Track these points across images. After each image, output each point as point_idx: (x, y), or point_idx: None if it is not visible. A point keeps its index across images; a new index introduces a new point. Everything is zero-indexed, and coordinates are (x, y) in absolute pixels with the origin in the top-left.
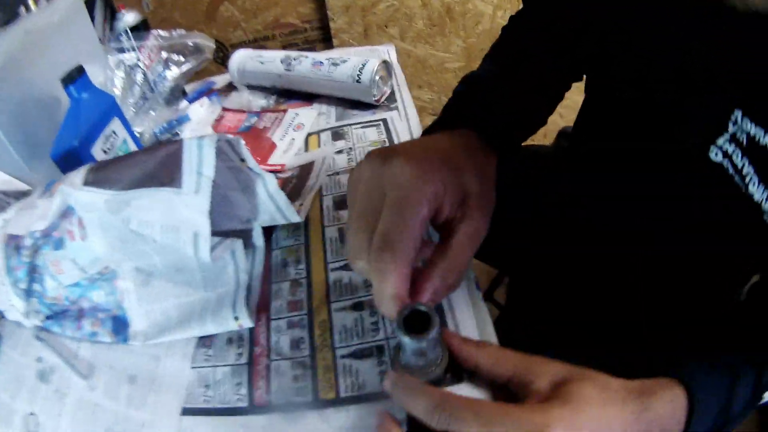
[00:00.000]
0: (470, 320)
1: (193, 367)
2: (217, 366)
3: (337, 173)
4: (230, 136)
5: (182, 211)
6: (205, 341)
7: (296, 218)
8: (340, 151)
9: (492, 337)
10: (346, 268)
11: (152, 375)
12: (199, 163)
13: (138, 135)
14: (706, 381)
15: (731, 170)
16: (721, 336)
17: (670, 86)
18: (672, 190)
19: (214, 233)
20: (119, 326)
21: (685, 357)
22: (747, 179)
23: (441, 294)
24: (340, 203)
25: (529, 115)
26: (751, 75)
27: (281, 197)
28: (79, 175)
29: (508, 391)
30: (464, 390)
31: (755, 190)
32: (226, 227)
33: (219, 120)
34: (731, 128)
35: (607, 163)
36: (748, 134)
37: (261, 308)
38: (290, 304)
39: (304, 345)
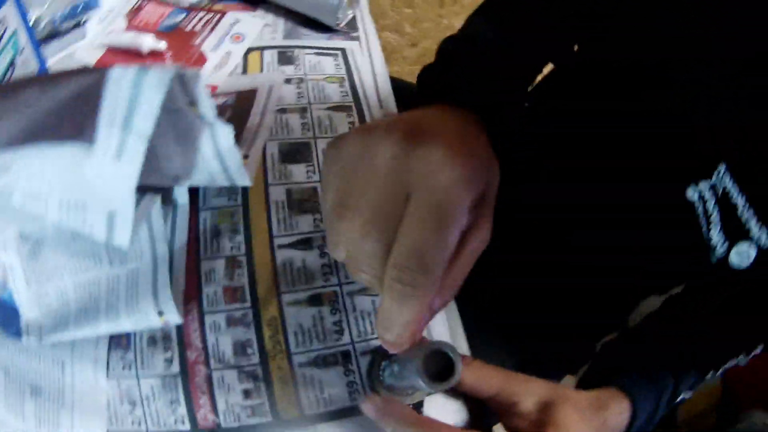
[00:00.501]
0: (440, 318)
1: (110, 377)
2: (142, 377)
3: (284, 110)
4: (188, 70)
5: (93, 182)
6: (119, 340)
7: (246, 182)
8: (288, 80)
9: (462, 340)
10: (298, 246)
11: (59, 386)
12: (130, 111)
13: (32, 23)
14: (644, 394)
15: (700, 213)
16: (647, 345)
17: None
18: (632, 209)
19: None
20: (8, 316)
21: (623, 365)
22: (711, 225)
23: (436, 311)
24: (289, 155)
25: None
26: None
27: (234, 157)
28: None
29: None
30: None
31: (715, 235)
32: (142, 183)
33: (136, 11)
34: (714, 178)
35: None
36: (724, 188)
37: (189, 295)
38: (228, 292)
39: (251, 350)
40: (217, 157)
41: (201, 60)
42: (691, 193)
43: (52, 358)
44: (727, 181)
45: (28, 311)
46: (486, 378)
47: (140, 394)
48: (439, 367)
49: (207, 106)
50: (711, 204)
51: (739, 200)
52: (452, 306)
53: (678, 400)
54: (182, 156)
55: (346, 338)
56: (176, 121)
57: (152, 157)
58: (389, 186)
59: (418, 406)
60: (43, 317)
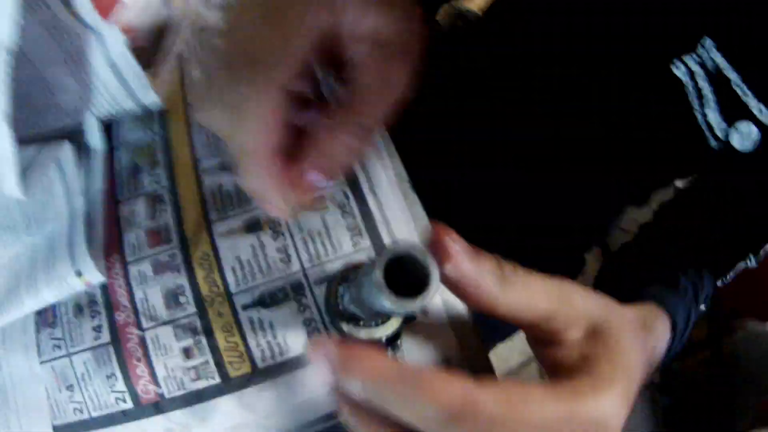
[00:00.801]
0: (397, 205)
1: (43, 362)
2: (73, 353)
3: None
4: None
5: None
6: (45, 317)
7: (152, 98)
8: None
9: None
10: (227, 167)
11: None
12: None
13: None
14: (679, 310)
15: (691, 90)
16: (662, 248)
17: None
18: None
19: (25, 141)
20: None
21: (644, 273)
22: (705, 104)
23: (340, 161)
24: None
25: None
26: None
27: (130, 67)
28: None
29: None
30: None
31: (711, 114)
32: (43, 127)
33: None
34: (700, 50)
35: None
36: (713, 61)
37: (110, 248)
38: (151, 235)
39: (184, 297)
40: (112, 69)
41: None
42: (677, 69)
43: None
44: (716, 56)
45: None
46: (531, 298)
47: (75, 374)
48: (410, 278)
49: (82, 3)
50: (702, 80)
51: (732, 75)
52: (406, 183)
53: (696, 317)
54: (75, 79)
55: (294, 266)
56: (59, 37)
57: (45, 92)
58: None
59: (395, 348)
60: None
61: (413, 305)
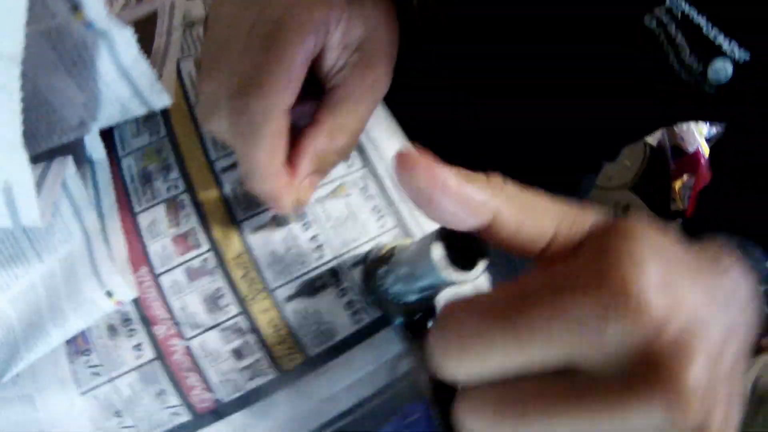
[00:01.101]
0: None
1: (83, 393)
2: (115, 377)
3: (192, 23)
4: None
5: None
6: (76, 346)
7: (165, 101)
8: None
9: None
10: None
11: (36, 429)
12: None
13: None
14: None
15: (663, 39)
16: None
17: None
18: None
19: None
20: None
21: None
22: (679, 50)
23: (328, 162)
24: None
25: None
26: None
27: (143, 70)
28: None
29: None
30: None
31: (687, 58)
32: (44, 145)
33: None
34: (668, 2)
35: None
36: (682, 12)
37: (136, 261)
38: (178, 242)
39: (224, 300)
40: (123, 75)
41: None
42: (648, 21)
43: (18, 396)
44: (683, 3)
45: None
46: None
47: (121, 398)
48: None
49: (94, 6)
50: (672, 28)
51: (701, 20)
52: None
53: None
54: (80, 90)
55: (328, 254)
56: (58, 42)
57: (45, 107)
58: (232, 28)
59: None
60: None
61: (471, 276)
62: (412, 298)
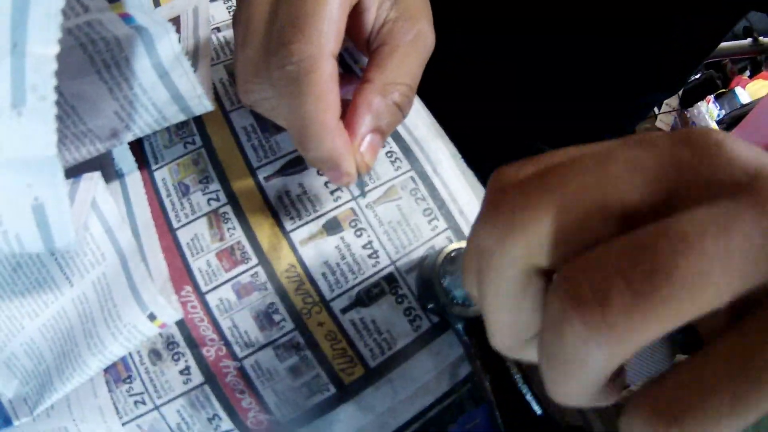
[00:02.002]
0: (459, 183)
1: (125, 423)
2: (161, 405)
3: (219, 29)
4: None
5: None
6: (117, 374)
7: (208, 106)
8: None
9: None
10: (288, 170)
11: None
12: (17, 29)
13: None
14: None
15: None
16: None
17: None
18: None
19: None
20: None
21: None
22: None
23: (386, 121)
24: None
25: None
26: None
27: (183, 68)
28: None
29: None
30: None
31: None
32: (70, 160)
33: None
34: None
35: None
36: None
37: (178, 281)
38: (223, 257)
39: (278, 315)
40: (162, 77)
41: None
42: None
43: (53, 429)
44: None
45: (4, 389)
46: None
47: (169, 427)
48: None
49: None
50: None
51: None
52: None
53: None
54: (112, 96)
55: (383, 260)
56: (92, 43)
57: (72, 118)
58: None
59: None
60: (23, 386)
61: None
62: (470, 301)
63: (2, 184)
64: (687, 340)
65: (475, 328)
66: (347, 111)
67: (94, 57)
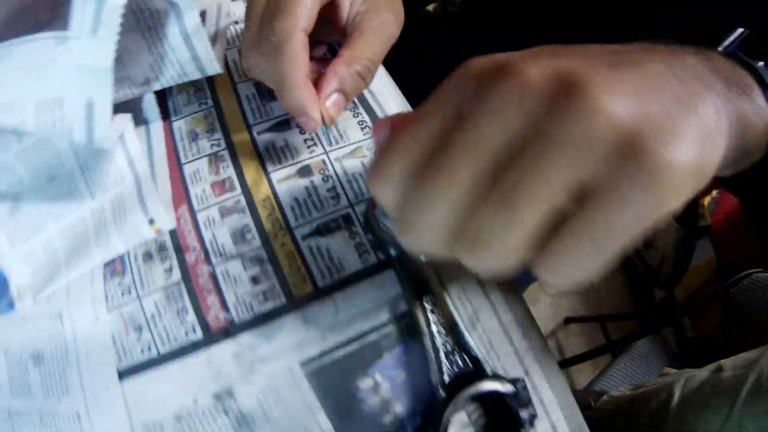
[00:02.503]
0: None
1: (110, 311)
2: (144, 296)
3: (237, 23)
4: None
5: (69, 72)
6: (113, 268)
7: (216, 68)
8: None
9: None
10: (276, 128)
11: (61, 343)
12: None
13: None
14: None
15: None
16: None
17: None
18: None
19: None
20: None
21: None
22: None
23: (350, 86)
24: None
25: None
26: None
27: (202, 39)
28: None
29: None
30: None
31: None
32: (114, 99)
33: None
34: None
35: None
36: None
37: (178, 201)
38: (216, 187)
39: (250, 234)
40: (185, 41)
41: None
42: None
43: (49, 313)
44: None
45: (18, 276)
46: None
47: (145, 315)
48: None
49: None
50: None
51: None
52: (551, 361)
53: None
54: (149, 51)
55: (343, 202)
56: (140, 12)
57: (118, 66)
58: None
59: None
60: (33, 276)
61: None
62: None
63: (72, 82)
64: None
65: (406, 256)
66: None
67: (140, 22)
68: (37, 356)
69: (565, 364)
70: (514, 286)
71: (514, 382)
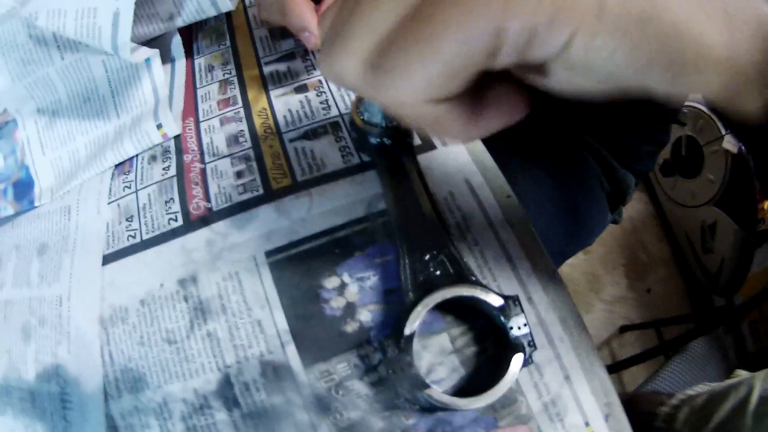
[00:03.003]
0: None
1: (110, 202)
2: (140, 189)
3: None
4: None
5: None
6: (122, 168)
7: (228, 5)
8: None
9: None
10: (282, 60)
11: (64, 233)
12: None
13: None
14: None
15: None
16: None
17: None
18: None
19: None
20: (22, 190)
21: None
22: None
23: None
24: None
25: None
26: None
27: None
28: None
29: None
30: None
31: None
32: (142, 33)
33: None
34: None
35: None
36: None
37: (186, 113)
38: (221, 103)
39: (243, 138)
40: None
41: None
42: None
43: (60, 208)
44: None
45: (43, 179)
46: None
47: (138, 205)
48: None
49: None
50: None
51: None
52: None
53: None
54: None
55: (333, 112)
56: None
57: (147, 3)
58: None
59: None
60: (56, 179)
61: None
62: (378, 119)
63: None
64: None
65: (384, 149)
66: None
67: None
68: (42, 248)
69: (615, 368)
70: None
71: (506, 297)
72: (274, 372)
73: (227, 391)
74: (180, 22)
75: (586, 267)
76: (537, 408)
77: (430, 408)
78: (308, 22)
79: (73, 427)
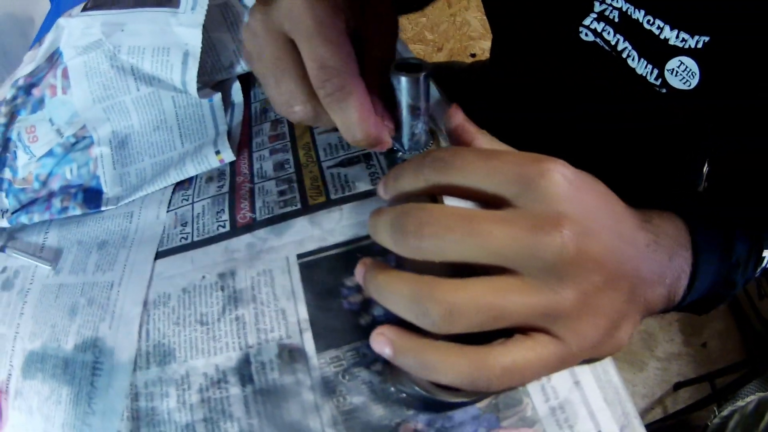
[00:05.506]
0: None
1: (169, 211)
2: (196, 201)
3: None
4: None
5: (175, 31)
6: (183, 184)
7: None
8: None
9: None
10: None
11: (124, 233)
12: None
13: None
14: (709, 238)
15: (606, 47)
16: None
17: None
18: (570, 81)
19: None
20: (92, 196)
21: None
22: (625, 55)
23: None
24: None
25: None
26: None
27: None
28: (79, 5)
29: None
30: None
31: (636, 65)
32: (208, 78)
33: None
34: (597, 7)
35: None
36: (619, 10)
37: (242, 145)
38: (272, 138)
39: (288, 165)
40: None
41: None
42: (584, 35)
43: (123, 213)
44: (617, 1)
45: (111, 190)
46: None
47: (192, 214)
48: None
49: None
50: (610, 34)
51: (639, 15)
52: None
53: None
54: (233, 41)
55: None
56: (225, 11)
57: (212, 52)
58: (271, 37)
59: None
60: (123, 191)
61: (420, 75)
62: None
63: (176, 38)
64: None
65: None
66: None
67: (227, 19)
68: (102, 243)
69: (666, 420)
70: None
71: None
72: (289, 354)
73: (245, 369)
74: (239, 69)
75: (641, 325)
76: (543, 411)
77: (426, 402)
78: (382, 136)
79: (97, 391)
